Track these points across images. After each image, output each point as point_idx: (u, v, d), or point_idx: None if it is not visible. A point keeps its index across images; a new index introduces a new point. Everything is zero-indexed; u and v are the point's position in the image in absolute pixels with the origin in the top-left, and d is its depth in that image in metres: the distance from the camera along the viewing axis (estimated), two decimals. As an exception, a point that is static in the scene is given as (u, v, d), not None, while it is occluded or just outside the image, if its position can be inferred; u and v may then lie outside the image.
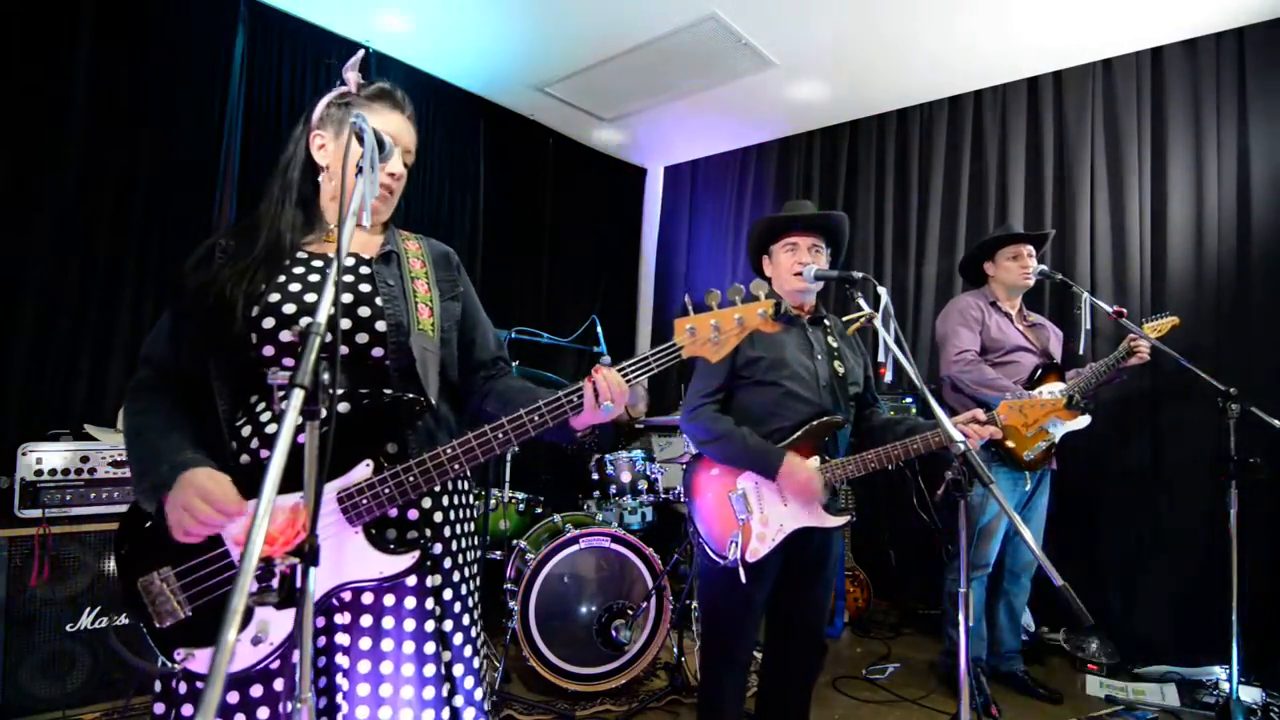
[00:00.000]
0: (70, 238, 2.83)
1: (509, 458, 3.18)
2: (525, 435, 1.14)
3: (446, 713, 1.15)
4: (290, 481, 0.85)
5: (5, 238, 2.68)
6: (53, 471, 2.38)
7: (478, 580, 1.32)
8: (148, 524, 1.08)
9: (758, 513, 1.81)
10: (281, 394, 1.11)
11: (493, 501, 3.14)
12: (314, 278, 1.18)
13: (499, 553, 3.13)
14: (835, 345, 1.98)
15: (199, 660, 1.04)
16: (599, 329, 3.59)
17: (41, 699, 2.25)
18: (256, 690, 1.07)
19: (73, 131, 2.83)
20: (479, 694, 1.22)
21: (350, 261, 1.22)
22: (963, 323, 2.80)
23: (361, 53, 1.28)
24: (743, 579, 1.75)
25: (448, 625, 1.20)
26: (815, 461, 1.84)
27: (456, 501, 1.27)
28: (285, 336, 1.12)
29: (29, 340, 2.73)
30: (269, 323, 1.12)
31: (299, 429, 0.80)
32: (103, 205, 2.92)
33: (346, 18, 3.47)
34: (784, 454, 1.78)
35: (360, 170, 1.02)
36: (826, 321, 2.03)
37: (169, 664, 1.04)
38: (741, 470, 1.84)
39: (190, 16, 3.14)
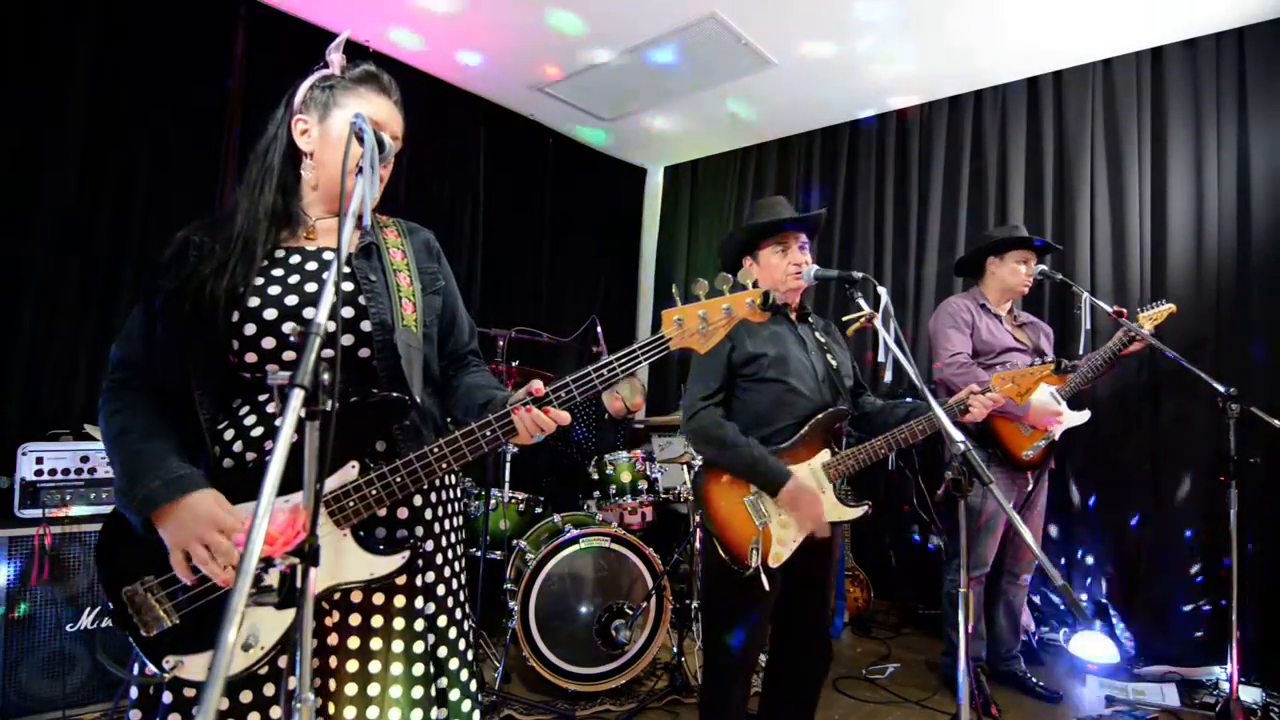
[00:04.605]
0: (70, 238, 2.83)
1: (508, 458, 3.17)
2: (513, 434, 1.11)
3: (437, 711, 1.15)
4: (282, 483, 0.84)
5: (5, 238, 2.69)
6: (53, 471, 2.38)
7: (464, 575, 1.31)
8: (128, 533, 1.06)
9: (775, 516, 1.79)
10: (266, 396, 1.10)
11: (493, 501, 3.14)
12: (294, 278, 1.14)
13: (499, 553, 3.13)
14: (823, 340, 2.01)
15: (189, 667, 1.02)
16: (599, 329, 3.60)
17: (41, 699, 2.25)
18: (246, 696, 1.05)
19: (73, 131, 2.84)
20: (474, 685, 1.22)
21: (329, 256, 1.19)
22: (953, 325, 2.79)
23: (346, 33, 1.22)
24: (765, 586, 1.72)
25: (442, 620, 1.19)
26: (825, 455, 1.84)
27: (445, 496, 1.27)
28: (269, 344, 1.10)
29: (29, 340, 2.73)
30: (250, 329, 1.09)
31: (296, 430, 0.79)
32: (103, 205, 2.92)
33: (346, 18, 3.47)
34: (789, 475, 1.76)
35: (360, 170, 1.00)
36: (811, 319, 2.05)
37: (159, 672, 1.02)
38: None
39: (190, 16, 3.14)
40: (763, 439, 1.82)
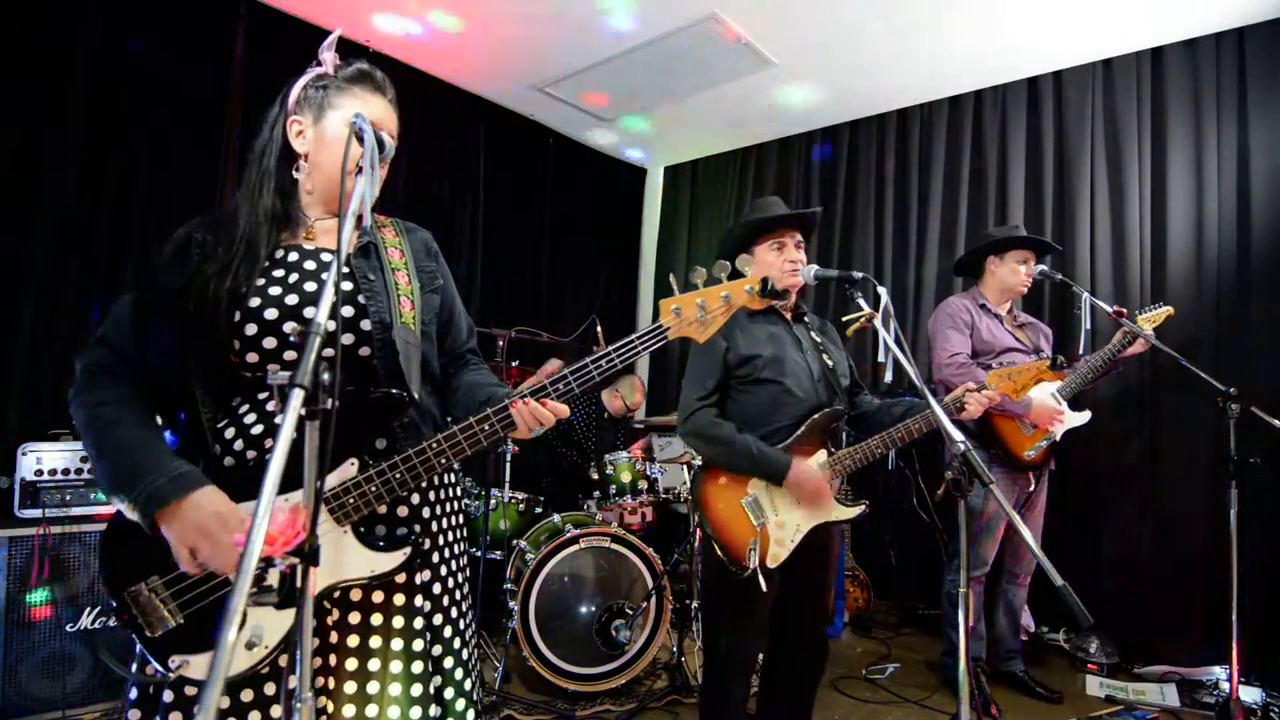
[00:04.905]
0: (70, 238, 2.83)
1: (508, 458, 3.17)
2: (512, 428, 1.11)
3: (434, 709, 1.15)
4: (282, 482, 0.84)
5: (5, 238, 2.69)
6: (53, 471, 2.38)
7: (466, 572, 1.31)
8: (132, 534, 1.05)
9: (773, 516, 1.80)
10: (265, 395, 1.10)
11: (493, 501, 3.14)
12: (294, 278, 1.14)
13: (499, 553, 3.13)
14: (819, 340, 2.00)
15: (194, 667, 1.02)
16: (599, 329, 3.60)
17: (41, 699, 2.25)
18: (247, 695, 1.05)
19: (73, 131, 2.84)
20: (469, 684, 1.22)
21: (327, 257, 1.19)
22: (952, 325, 2.78)
23: (338, 32, 1.22)
24: (763, 587, 1.73)
25: (438, 619, 1.19)
26: (823, 455, 1.84)
27: (443, 495, 1.27)
28: (270, 343, 1.10)
29: (29, 340, 2.73)
30: (251, 329, 1.09)
31: (296, 429, 0.79)
32: (103, 205, 2.93)
33: (347, 18, 3.47)
34: (790, 460, 1.77)
35: (359, 170, 1.00)
36: (807, 318, 2.05)
37: (165, 672, 1.02)
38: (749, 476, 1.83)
39: (190, 16, 3.15)
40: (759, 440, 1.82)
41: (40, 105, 2.76)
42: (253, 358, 1.11)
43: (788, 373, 1.86)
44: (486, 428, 1.11)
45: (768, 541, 1.77)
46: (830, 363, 1.96)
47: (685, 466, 3.31)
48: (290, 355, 1.10)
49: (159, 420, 1.13)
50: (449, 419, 1.31)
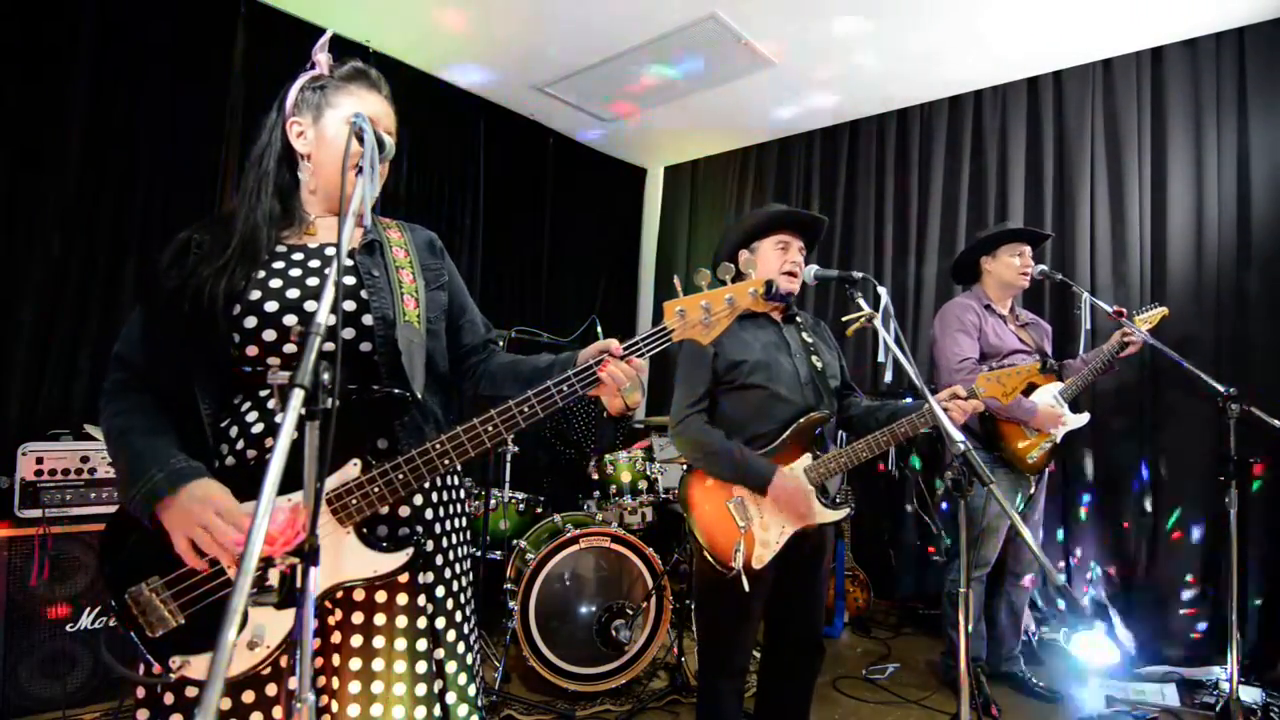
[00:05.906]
0: (70, 238, 2.83)
1: (509, 458, 3.17)
2: (516, 427, 1.11)
3: (438, 709, 1.15)
4: (284, 482, 0.84)
5: (5, 238, 2.69)
6: (53, 471, 2.38)
7: (470, 575, 1.31)
8: (132, 534, 1.06)
9: (758, 518, 1.80)
10: (267, 392, 1.10)
11: (493, 501, 3.14)
12: (295, 272, 1.15)
13: (499, 553, 3.13)
14: (810, 341, 1.99)
15: (195, 667, 1.02)
16: (599, 329, 3.60)
17: (41, 699, 2.25)
18: (248, 696, 1.05)
19: (73, 131, 2.84)
20: (472, 690, 1.22)
21: (331, 252, 1.19)
22: (960, 328, 2.75)
23: (329, 33, 1.24)
24: (745, 587, 1.73)
25: (440, 622, 1.19)
26: (807, 459, 1.83)
27: (446, 497, 1.26)
28: (269, 335, 1.10)
29: (29, 340, 2.73)
30: (251, 322, 1.10)
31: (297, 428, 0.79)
32: (103, 205, 2.92)
33: (346, 18, 3.47)
34: (774, 470, 1.77)
35: (360, 169, 1.01)
36: (799, 319, 2.04)
37: (167, 673, 1.02)
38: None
39: (190, 17, 3.14)
40: (744, 444, 1.83)
41: (40, 105, 2.76)
42: (252, 351, 1.11)
43: (774, 377, 1.86)
44: (490, 428, 1.11)
45: (753, 543, 1.78)
46: (820, 364, 1.95)
47: (685, 466, 3.31)
48: (290, 348, 1.11)
49: (178, 425, 1.13)
50: (451, 418, 1.31)
